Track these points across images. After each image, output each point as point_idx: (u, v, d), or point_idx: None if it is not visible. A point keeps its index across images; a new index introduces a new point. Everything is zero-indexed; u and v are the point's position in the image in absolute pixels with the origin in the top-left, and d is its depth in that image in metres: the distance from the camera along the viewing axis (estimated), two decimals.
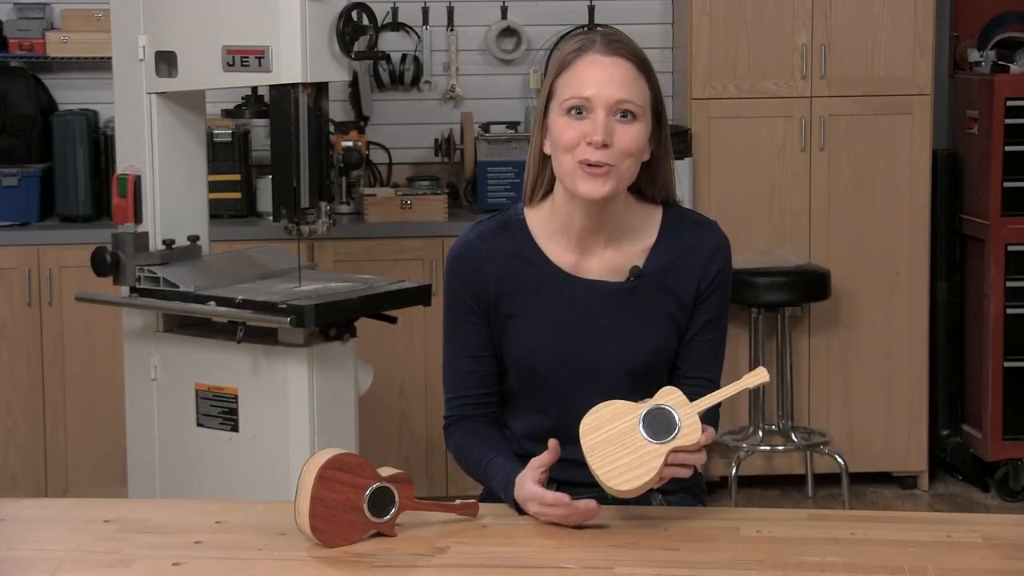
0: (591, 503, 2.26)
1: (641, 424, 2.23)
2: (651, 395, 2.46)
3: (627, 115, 2.38)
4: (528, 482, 2.32)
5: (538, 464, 2.32)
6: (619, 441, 2.23)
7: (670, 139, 2.49)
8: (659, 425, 2.23)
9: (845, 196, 5.23)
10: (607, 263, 2.49)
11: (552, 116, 2.42)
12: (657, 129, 2.44)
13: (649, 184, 2.51)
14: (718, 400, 2.30)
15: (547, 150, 2.45)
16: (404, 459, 5.01)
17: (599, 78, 2.37)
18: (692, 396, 2.41)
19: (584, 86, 2.38)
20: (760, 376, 2.27)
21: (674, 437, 2.22)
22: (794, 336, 5.21)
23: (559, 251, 2.49)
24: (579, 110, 2.38)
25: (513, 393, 2.56)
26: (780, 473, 5.31)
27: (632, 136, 2.38)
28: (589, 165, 2.37)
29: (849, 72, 5.19)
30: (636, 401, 2.33)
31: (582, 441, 2.25)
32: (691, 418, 2.23)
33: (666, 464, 2.23)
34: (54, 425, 4.97)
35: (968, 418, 5.45)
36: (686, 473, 2.27)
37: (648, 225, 2.51)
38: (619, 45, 2.42)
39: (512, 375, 2.54)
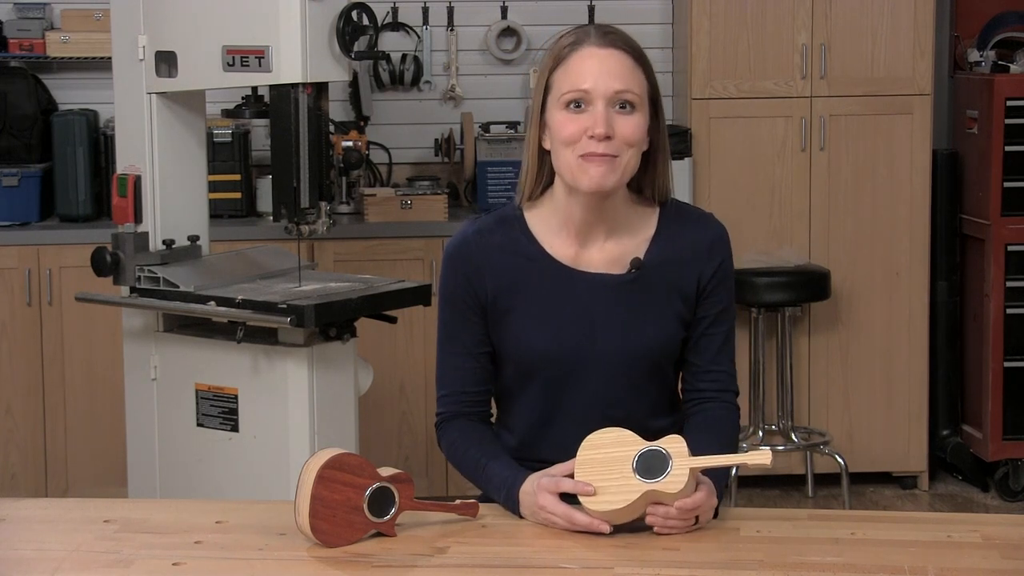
0: (604, 525, 2.24)
1: (635, 458, 2.24)
2: (651, 389, 2.48)
3: (626, 106, 2.37)
4: (545, 477, 2.30)
5: (560, 471, 2.31)
6: (609, 465, 2.25)
7: (667, 132, 2.48)
8: (651, 465, 2.23)
9: (845, 196, 5.23)
10: (607, 256, 2.47)
11: (550, 111, 2.41)
12: (654, 119, 2.43)
13: (648, 183, 2.50)
14: (718, 464, 2.30)
15: (546, 145, 2.44)
16: (404, 459, 5.00)
17: (596, 70, 2.36)
18: (711, 392, 2.48)
19: (582, 78, 2.37)
20: (765, 458, 2.26)
21: (657, 480, 2.22)
22: (794, 336, 5.21)
23: (559, 245, 2.48)
24: (578, 103, 2.37)
25: (508, 389, 2.55)
26: (780, 473, 5.31)
27: (633, 126, 2.37)
28: (593, 156, 2.35)
29: (849, 72, 5.19)
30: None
31: (579, 453, 2.28)
32: (682, 469, 2.22)
33: (645, 506, 2.23)
34: (54, 425, 4.97)
35: (968, 418, 5.45)
36: (667, 530, 2.25)
37: (647, 219, 2.50)
38: (614, 37, 2.41)
39: (508, 370, 2.53)
